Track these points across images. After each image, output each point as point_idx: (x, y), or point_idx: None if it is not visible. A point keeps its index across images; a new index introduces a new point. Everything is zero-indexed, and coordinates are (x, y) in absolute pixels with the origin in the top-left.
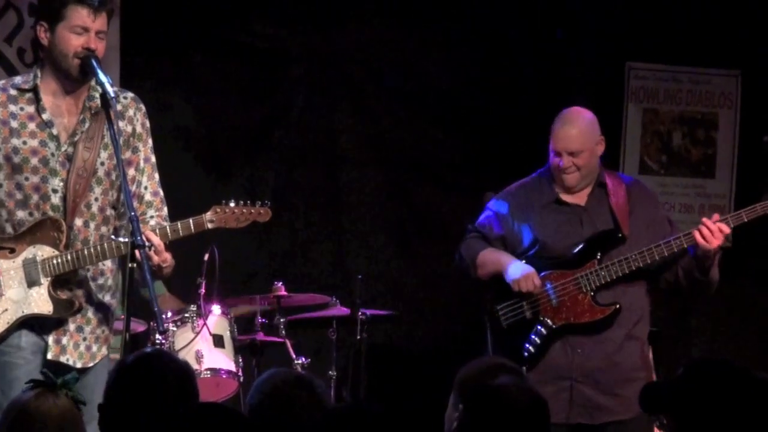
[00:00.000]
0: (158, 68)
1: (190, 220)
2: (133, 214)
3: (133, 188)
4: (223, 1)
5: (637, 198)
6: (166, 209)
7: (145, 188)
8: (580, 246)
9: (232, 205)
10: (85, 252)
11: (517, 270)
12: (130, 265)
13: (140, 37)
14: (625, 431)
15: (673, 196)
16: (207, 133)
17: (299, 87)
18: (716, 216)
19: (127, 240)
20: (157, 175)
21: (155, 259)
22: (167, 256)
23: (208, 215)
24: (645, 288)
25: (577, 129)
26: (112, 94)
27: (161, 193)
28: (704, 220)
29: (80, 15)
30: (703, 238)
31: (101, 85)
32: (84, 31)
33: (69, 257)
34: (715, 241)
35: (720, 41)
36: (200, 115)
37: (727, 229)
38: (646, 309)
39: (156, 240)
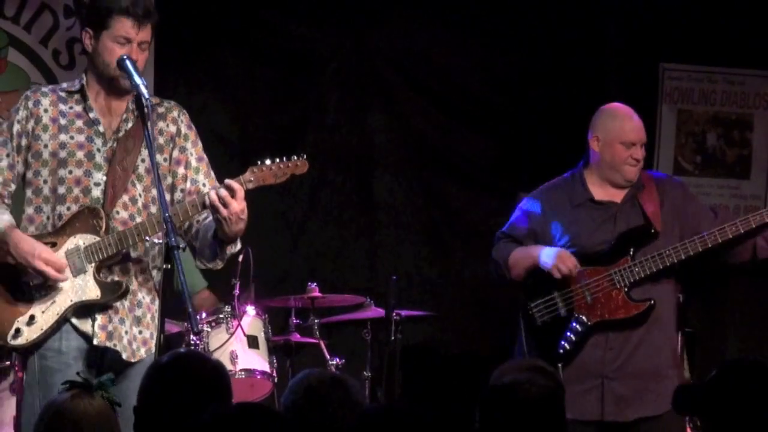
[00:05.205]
0: (191, 71)
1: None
2: (167, 215)
3: (188, 185)
4: (256, 3)
5: (666, 191)
6: None
7: (204, 185)
8: (613, 242)
9: (268, 162)
10: (126, 231)
11: (550, 255)
12: (165, 266)
13: (173, 41)
14: (657, 427)
15: (707, 197)
16: (240, 135)
17: (332, 88)
18: None
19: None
20: (213, 174)
21: (234, 207)
22: (244, 205)
23: (246, 175)
24: (675, 283)
25: (640, 121)
26: (146, 95)
27: None
28: None
29: (124, 26)
30: None
31: (135, 87)
32: (127, 42)
33: (111, 240)
34: None
35: (755, 41)
36: (234, 116)
37: None
38: (677, 304)
39: (236, 186)
